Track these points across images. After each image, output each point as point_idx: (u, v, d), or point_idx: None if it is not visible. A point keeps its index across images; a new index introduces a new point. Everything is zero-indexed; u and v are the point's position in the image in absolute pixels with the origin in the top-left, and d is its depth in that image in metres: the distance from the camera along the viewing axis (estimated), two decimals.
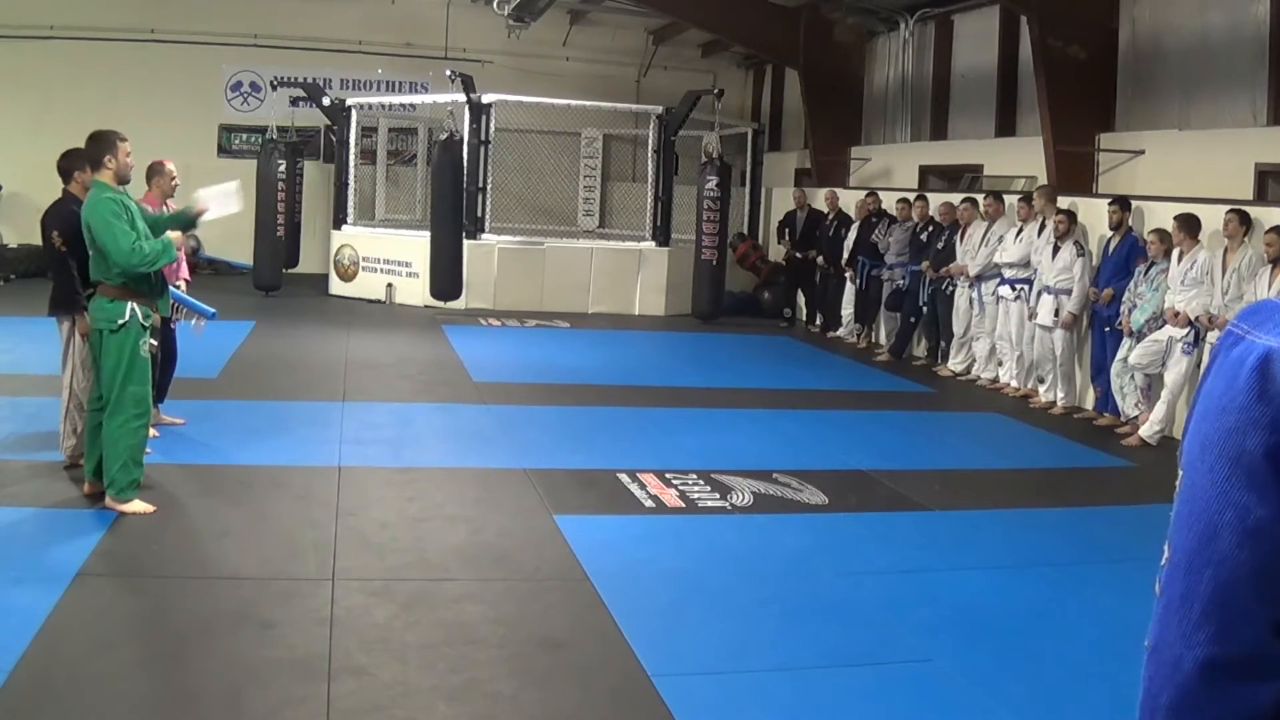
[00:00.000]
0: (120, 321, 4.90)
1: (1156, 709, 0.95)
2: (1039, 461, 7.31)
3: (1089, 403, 8.55)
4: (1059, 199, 8.98)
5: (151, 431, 6.23)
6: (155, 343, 5.12)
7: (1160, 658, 0.95)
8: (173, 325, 6.47)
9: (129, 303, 4.93)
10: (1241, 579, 0.90)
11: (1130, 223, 8.24)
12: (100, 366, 4.98)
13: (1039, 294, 8.77)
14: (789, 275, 13.35)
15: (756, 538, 5.15)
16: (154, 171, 6.28)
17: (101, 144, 5.00)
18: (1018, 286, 9.21)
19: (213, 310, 6.43)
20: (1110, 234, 8.32)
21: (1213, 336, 7.09)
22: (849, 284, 11.93)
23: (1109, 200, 8.46)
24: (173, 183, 6.26)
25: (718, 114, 13.41)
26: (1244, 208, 7.29)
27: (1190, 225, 7.37)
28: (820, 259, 12.44)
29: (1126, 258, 8.07)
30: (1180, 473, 0.96)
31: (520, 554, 4.77)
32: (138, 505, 4.95)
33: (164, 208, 6.06)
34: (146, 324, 5.00)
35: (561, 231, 14.51)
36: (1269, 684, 0.90)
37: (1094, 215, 8.71)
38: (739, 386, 9.17)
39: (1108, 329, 8.19)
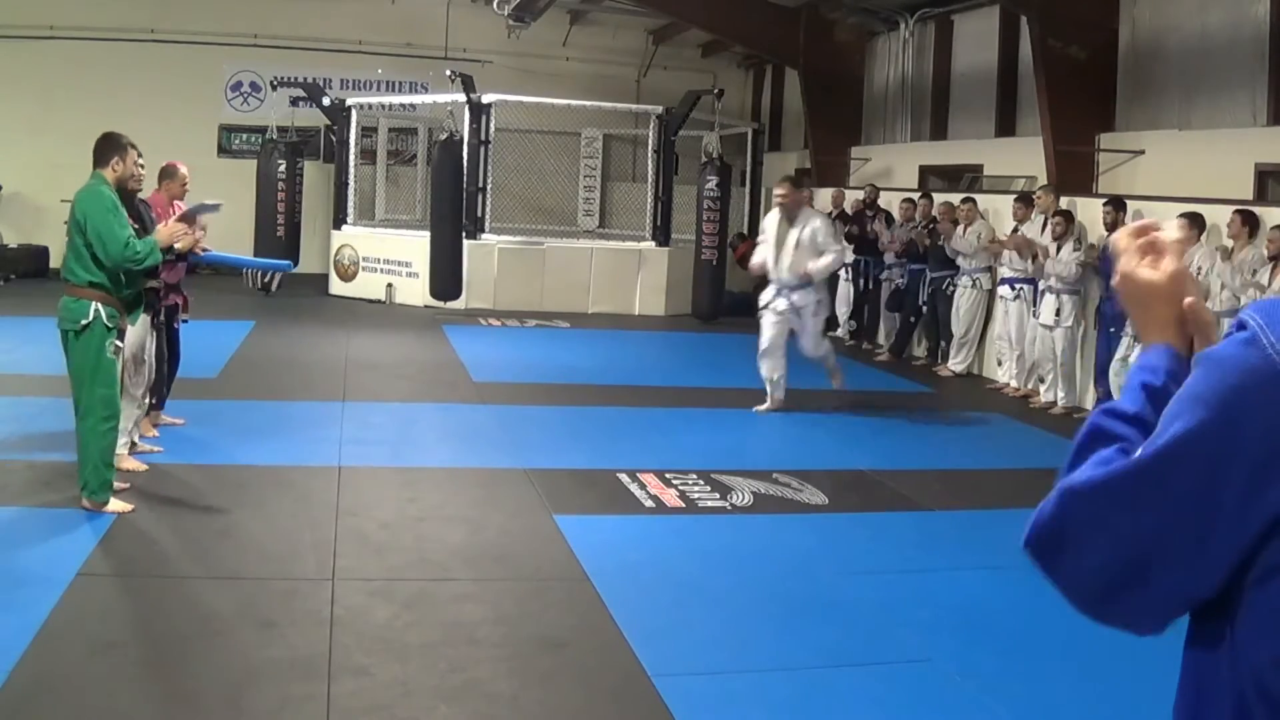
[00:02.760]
0: (84, 322, 4.79)
1: (1066, 527, 1.09)
2: (1039, 461, 7.28)
3: (1089, 403, 8.55)
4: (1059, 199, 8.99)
5: (153, 431, 6.24)
6: (121, 344, 5.02)
7: (1088, 506, 1.07)
8: (176, 326, 6.38)
9: (93, 303, 4.82)
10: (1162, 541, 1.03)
11: (1127, 222, 8.26)
12: (68, 368, 4.89)
13: (1041, 293, 8.78)
14: None
15: (756, 538, 5.15)
16: (166, 174, 6.26)
17: (112, 146, 5.01)
18: (1017, 286, 9.22)
19: (288, 262, 6.39)
20: (1106, 234, 8.34)
21: None
22: (841, 283, 11.93)
23: (1103, 201, 8.47)
24: (183, 187, 6.23)
25: (718, 114, 13.41)
26: (1248, 208, 7.30)
27: (1194, 224, 7.40)
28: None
29: None
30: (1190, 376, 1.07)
31: (520, 554, 4.77)
32: (115, 504, 4.92)
33: (171, 209, 6.07)
34: (111, 325, 4.88)
35: (561, 231, 14.50)
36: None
37: (1094, 215, 8.72)
38: (739, 386, 9.16)
39: (1112, 330, 8.19)
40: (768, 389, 8.04)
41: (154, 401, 6.26)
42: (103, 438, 4.87)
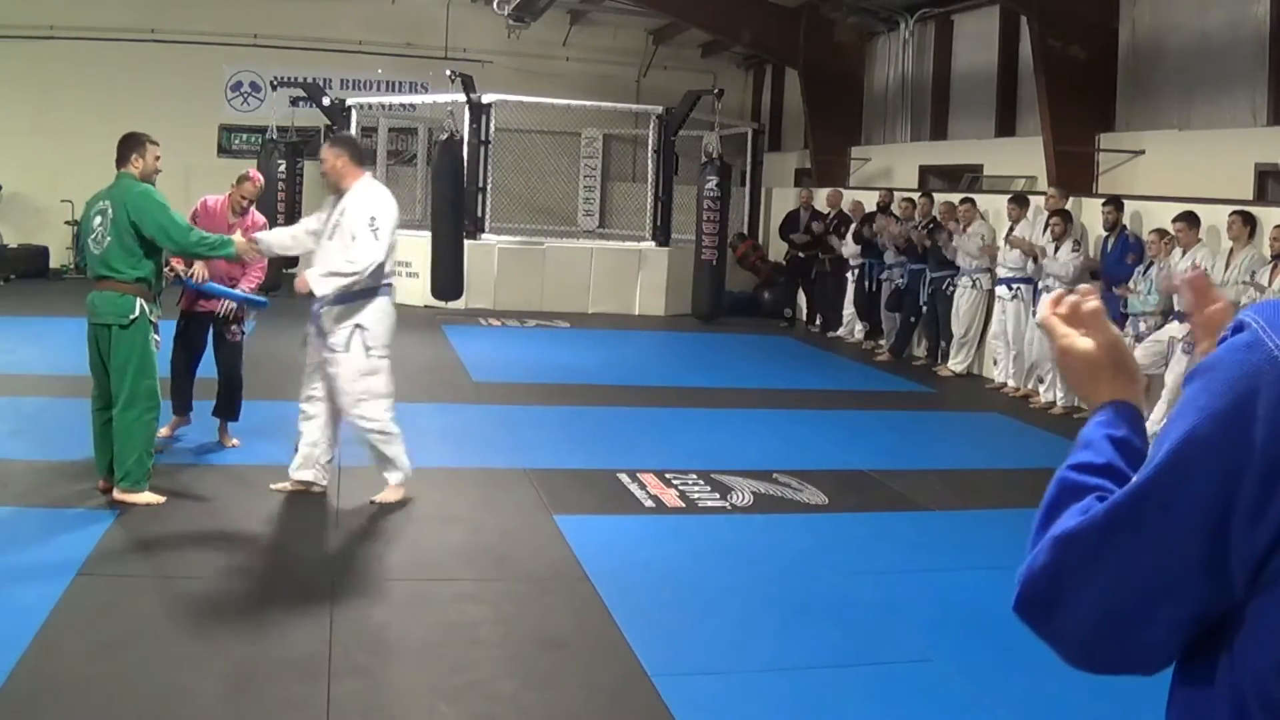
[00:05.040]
0: (131, 317, 4.96)
1: (1061, 579, 1.03)
2: (1039, 461, 7.28)
3: None
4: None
5: (233, 441, 6.25)
6: (159, 337, 5.16)
7: (1072, 548, 1.03)
8: (229, 336, 6.20)
9: (138, 298, 4.99)
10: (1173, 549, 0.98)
11: (1125, 222, 8.27)
12: (110, 362, 5.00)
13: (1039, 293, 8.78)
14: (789, 275, 13.35)
15: (756, 538, 5.15)
16: (238, 180, 6.24)
17: (132, 144, 5.15)
18: (1015, 286, 9.22)
19: (264, 300, 6.33)
20: (1106, 234, 8.36)
21: None
22: (849, 283, 11.94)
23: (1103, 201, 8.48)
24: (244, 200, 6.17)
25: (718, 114, 13.41)
26: (1246, 208, 7.31)
27: (1193, 223, 7.42)
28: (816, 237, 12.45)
29: (1120, 255, 8.12)
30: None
31: (520, 554, 4.77)
32: (149, 496, 5.03)
33: (230, 217, 6.09)
34: (153, 319, 5.06)
35: (561, 231, 14.51)
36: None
37: (1094, 215, 8.72)
38: (739, 386, 9.17)
39: None
40: (295, 457, 5.42)
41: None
42: (146, 427, 5.04)
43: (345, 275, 5.00)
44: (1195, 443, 0.96)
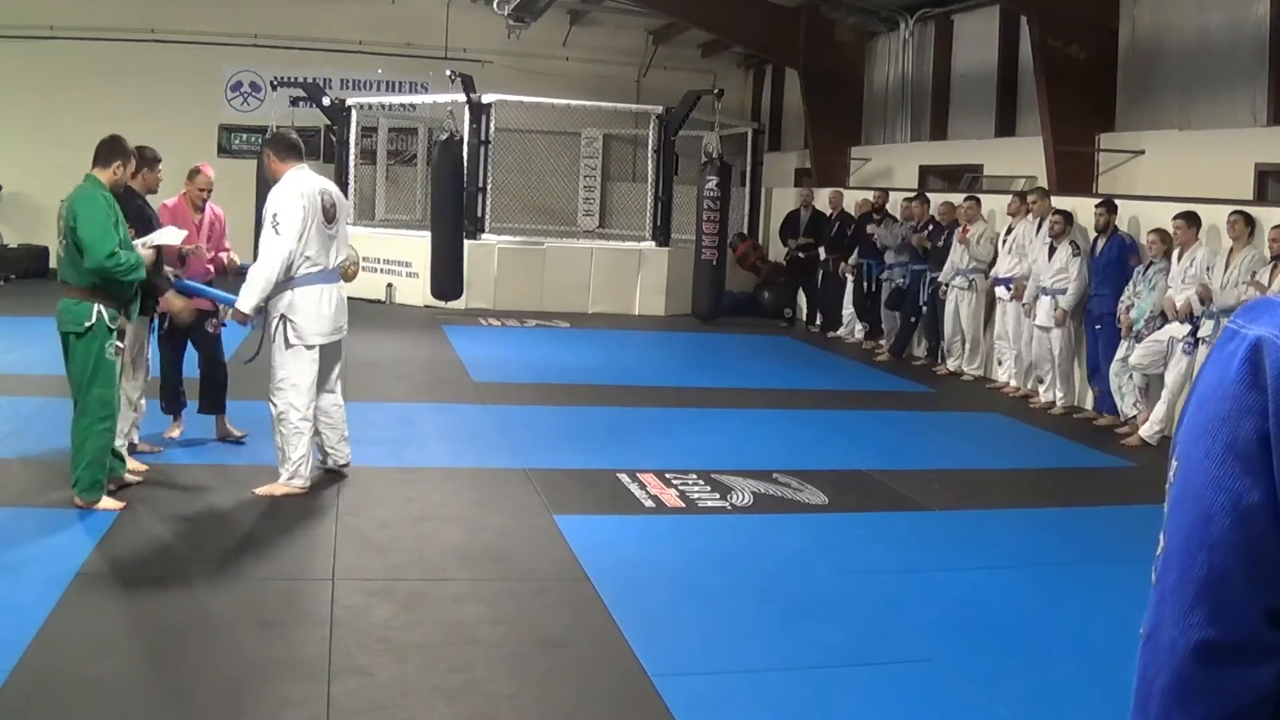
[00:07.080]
0: (87, 324, 4.80)
1: (1151, 694, 0.97)
2: (1039, 461, 7.31)
3: (1088, 403, 8.55)
4: (1054, 199, 8.97)
5: (238, 433, 6.22)
6: (121, 345, 5.00)
7: (1156, 643, 0.97)
8: (209, 328, 6.14)
9: (95, 304, 4.81)
10: (1234, 563, 0.92)
11: (1116, 223, 8.26)
12: (68, 370, 4.90)
13: (1036, 294, 8.77)
14: (789, 275, 13.35)
15: (756, 538, 5.15)
16: (189, 176, 6.20)
17: (116, 150, 5.00)
18: (1013, 286, 9.22)
19: (233, 297, 6.28)
20: (1097, 235, 8.35)
21: (1205, 331, 7.10)
22: (849, 283, 11.94)
23: (1096, 202, 8.47)
24: (201, 191, 6.10)
25: (718, 114, 13.42)
26: (1246, 208, 7.31)
27: (1193, 222, 7.42)
28: (822, 252, 12.46)
29: (1116, 257, 8.11)
30: (1174, 463, 0.98)
31: (520, 554, 4.77)
32: (107, 502, 4.93)
33: (193, 214, 6.06)
34: (113, 327, 4.89)
35: (561, 231, 14.51)
36: (1263, 667, 0.91)
37: (1091, 216, 8.72)
38: (739, 386, 9.17)
39: (1098, 328, 8.19)
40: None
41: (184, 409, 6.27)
42: (98, 437, 4.88)
43: (259, 282, 5.19)
44: (1208, 424, 0.92)
